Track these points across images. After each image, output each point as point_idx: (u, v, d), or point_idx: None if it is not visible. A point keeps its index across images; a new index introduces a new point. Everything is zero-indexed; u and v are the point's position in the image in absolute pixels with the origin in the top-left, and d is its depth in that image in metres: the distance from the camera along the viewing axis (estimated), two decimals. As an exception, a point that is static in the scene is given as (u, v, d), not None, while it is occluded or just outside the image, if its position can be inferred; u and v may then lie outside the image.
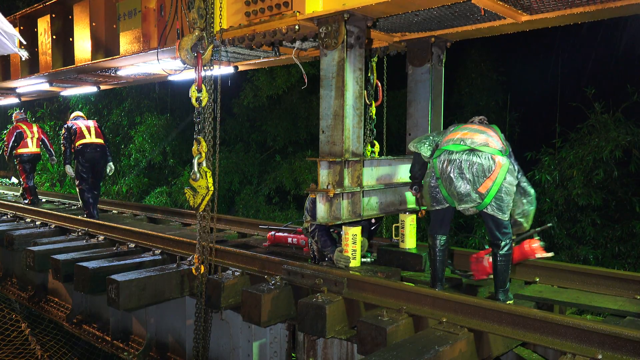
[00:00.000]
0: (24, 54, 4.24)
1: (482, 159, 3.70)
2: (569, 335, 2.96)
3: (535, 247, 4.12)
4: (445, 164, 3.79)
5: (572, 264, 5.45)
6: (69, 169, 7.94)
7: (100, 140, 7.88)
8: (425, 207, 5.14)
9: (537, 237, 4.19)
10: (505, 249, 3.84)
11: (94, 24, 6.92)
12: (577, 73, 12.53)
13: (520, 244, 4.16)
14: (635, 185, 9.85)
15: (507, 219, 3.82)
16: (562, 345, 2.96)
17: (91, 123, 8.05)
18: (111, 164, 8.11)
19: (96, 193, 7.96)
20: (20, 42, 4.00)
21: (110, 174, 8.39)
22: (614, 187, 9.73)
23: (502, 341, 3.35)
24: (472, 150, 3.72)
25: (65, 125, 7.92)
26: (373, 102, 5.71)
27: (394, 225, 5.07)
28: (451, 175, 3.75)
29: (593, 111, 10.06)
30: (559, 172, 9.98)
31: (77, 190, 7.89)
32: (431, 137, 4.10)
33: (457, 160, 3.74)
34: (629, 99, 9.73)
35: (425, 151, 4.04)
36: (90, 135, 7.84)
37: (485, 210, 3.79)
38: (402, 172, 4.97)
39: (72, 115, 8.42)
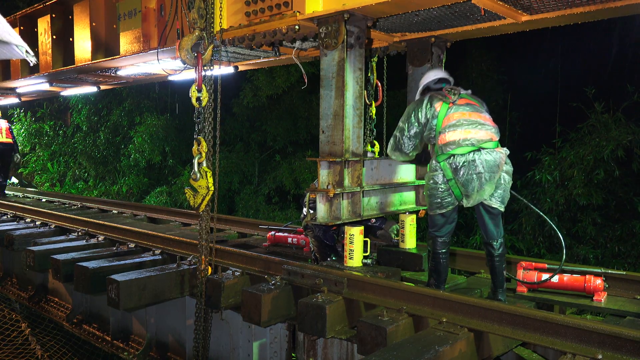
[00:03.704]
0: (33, 60, 4.27)
1: (493, 154, 3.71)
2: (569, 336, 2.96)
3: (598, 285, 3.86)
4: (457, 167, 3.72)
5: (572, 264, 5.44)
6: None
7: (10, 140, 10.80)
8: (426, 208, 5.16)
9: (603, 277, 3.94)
10: (502, 249, 3.85)
11: (94, 24, 6.92)
12: (577, 73, 12.53)
13: (582, 276, 3.93)
14: (635, 185, 9.85)
15: (503, 210, 3.85)
16: (562, 345, 2.96)
17: (3, 124, 10.76)
18: (17, 154, 11.24)
19: (4, 175, 11.13)
20: (27, 51, 4.03)
21: (17, 162, 11.75)
22: (614, 186, 9.74)
23: (502, 341, 3.35)
24: (480, 149, 3.70)
25: None
26: (373, 102, 5.71)
27: (393, 226, 5.07)
28: (467, 177, 3.69)
29: (593, 111, 10.06)
30: (560, 172, 9.99)
31: None
32: (411, 128, 3.97)
33: (470, 162, 3.68)
34: (629, 98, 9.74)
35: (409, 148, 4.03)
36: (1, 135, 10.66)
37: (488, 202, 3.78)
38: (402, 172, 4.97)
39: None
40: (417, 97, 4.23)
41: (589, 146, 9.71)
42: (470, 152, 3.70)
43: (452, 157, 3.74)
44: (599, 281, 3.86)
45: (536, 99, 13.91)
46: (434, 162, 3.90)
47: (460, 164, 3.71)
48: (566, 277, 3.98)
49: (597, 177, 9.50)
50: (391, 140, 4.13)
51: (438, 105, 3.88)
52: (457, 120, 3.79)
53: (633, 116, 9.73)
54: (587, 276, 3.91)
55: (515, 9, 4.18)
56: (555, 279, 3.98)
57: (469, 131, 3.74)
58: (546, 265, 4.13)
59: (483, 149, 3.70)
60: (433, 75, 4.22)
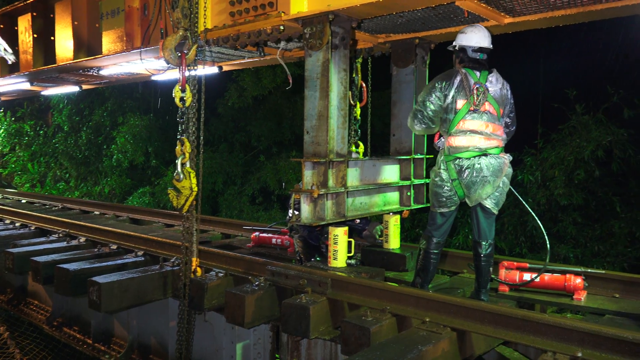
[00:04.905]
0: (11, 58, 4.21)
1: (497, 159, 3.81)
2: (550, 334, 3.00)
3: (578, 283, 3.92)
4: (461, 169, 3.80)
5: (553, 263, 5.51)
6: None
7: None
8: (410, 208, 5.18)
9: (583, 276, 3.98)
10: (490, 249, 3.88)
11: (75, 22, 6.83)
12: (558, 75, 12.68)
13: (562, 275, 3.99)
14: (615, 185, 10.01)
15: (496, 213, 3.89)
16: (543, 344, 3.00)
17: None
18: None
19: None
20: (5, 49, 3.99)
21: None
22: (594, 187, 9.88)
23: (484, 340, 3.38)
24: (484, 155, 3.79)
25: None
26: (357, 102, 5.72)
27: (377, 226, 5.08)
28: (471, 179, 3.77)
29: (574, 112, 10.20)
30: (541, 173, 10.10)
31: None
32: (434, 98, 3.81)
33: (474, 165, 3.76)
34: (610, 100, 9.89)
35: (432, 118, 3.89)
36: None
37: (484, 202, 3.83)
38: (386, 172, 4.99)
39: None
40: (453, 46, 3.96)
41: (570, 147, 9.84)
42: (475, 156, 3.78)
43: (458, 160, 3.81)
44: (578, 280, 3.93)
45: (518, 100, 14.02)
46: (441, 158, 3.93)
47: (465, 166, 3.78)
48: (547, 276, 4.03)
49: (577, 177, 9.64)
50: (414, 112, 3.96)
51: (460, 103, 3.77)
52: (470, 130, 3.78)
53: (613, 117, 9.89)
54: (568, 275, 3.97)
55: (498, 12, 4.23)
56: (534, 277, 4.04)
57: (479, 140, 3.80)
58: (527, 265, 4.17)
59: (488, 154, 3.80)
60: (475, 39, 3.86)
